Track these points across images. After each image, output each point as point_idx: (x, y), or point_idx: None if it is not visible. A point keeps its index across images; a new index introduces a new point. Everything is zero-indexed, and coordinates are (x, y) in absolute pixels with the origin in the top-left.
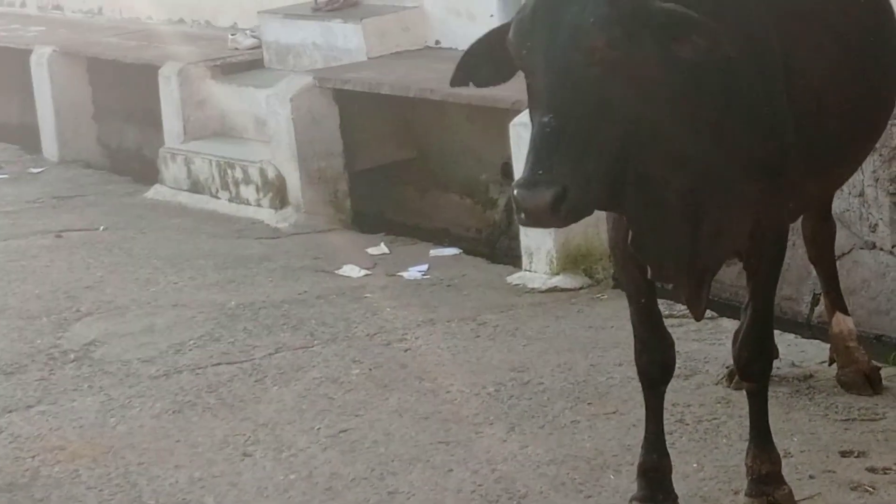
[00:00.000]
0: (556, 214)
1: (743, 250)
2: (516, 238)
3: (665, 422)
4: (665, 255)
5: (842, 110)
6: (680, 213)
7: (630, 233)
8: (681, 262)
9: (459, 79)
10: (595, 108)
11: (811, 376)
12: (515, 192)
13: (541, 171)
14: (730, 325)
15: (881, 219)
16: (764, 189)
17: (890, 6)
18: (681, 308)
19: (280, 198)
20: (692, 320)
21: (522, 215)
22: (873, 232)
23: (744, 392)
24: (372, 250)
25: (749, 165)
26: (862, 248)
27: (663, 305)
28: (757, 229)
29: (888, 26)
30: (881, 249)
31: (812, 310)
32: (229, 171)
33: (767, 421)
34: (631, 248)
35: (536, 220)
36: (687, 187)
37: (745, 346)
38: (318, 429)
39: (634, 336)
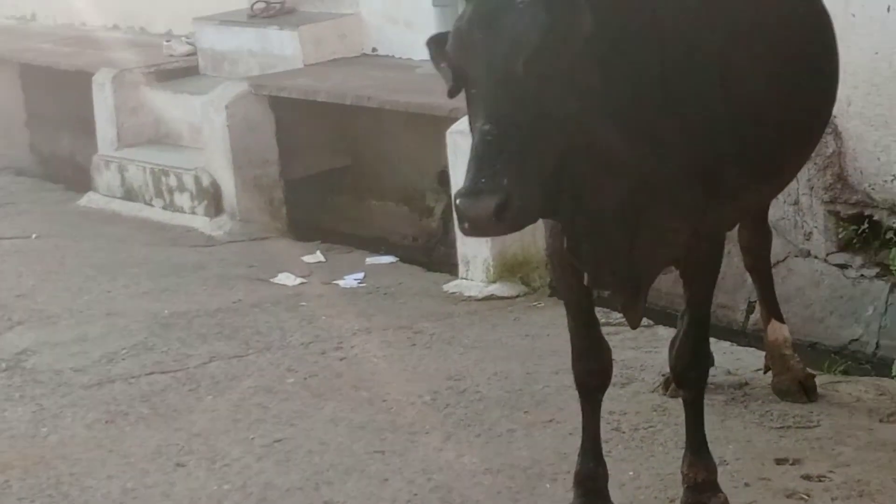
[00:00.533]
0: (500, 223)
1: (680, 258)
2: (453, 246)
3: (601, 430)
4: (602, 262)
5: (779, 120)
6: (616, 221)
7: (567, 240)
8: (617, 270)
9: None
10: (535, 115)
11: (747, 384)
12: (458, 201)
13: (483, 180)
14: (666, 333)
15: (816, 227)
16: (701, 197)
17: (828, 18)
18: (617, 316)
19: (215, 205)
20: (628, 328)
21: (466, 224)
22: (808, 240)
23: (680, 400)
24: (308, 258)
25: (686, 173)
26: (797, 257)
27: (600, 313)
28: (694, 237)
29: (825, 38)
30: (816, 258)
31: (747, 317)
32: (163, 179)
33: (703, 429)
34: (568, 255)
35: (480, 229)
36: (623, 195)
37: (682, 354)
38: (253, 438)
39: (571, 344)
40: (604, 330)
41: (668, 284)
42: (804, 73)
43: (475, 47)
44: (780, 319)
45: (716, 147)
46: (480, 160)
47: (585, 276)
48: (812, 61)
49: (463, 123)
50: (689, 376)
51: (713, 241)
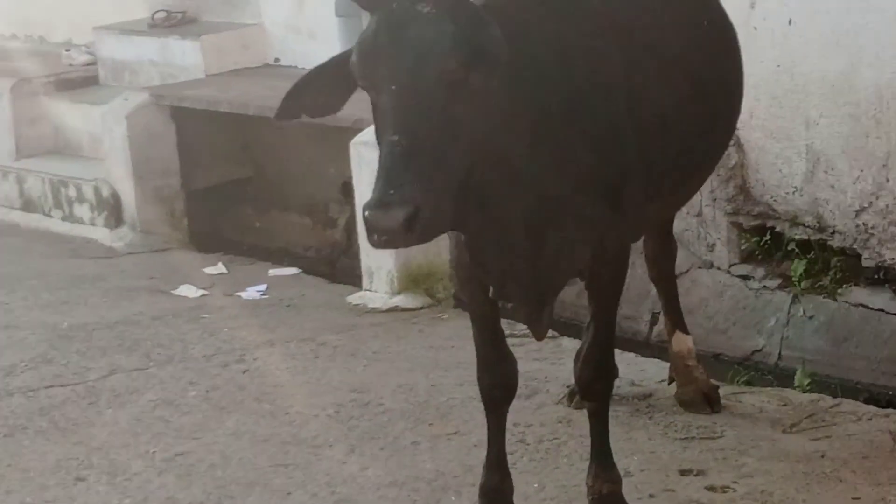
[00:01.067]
0: (410, 234)
1: (585, 270)
2: (356, 258)
3: (506, 442)
4: (507, 275)
5: (684, 133)
6: (521, 233)
7: (472, 252)
8: (522, 282)
9: (288, 110)
10: (443, 126)
11: (651, 395)
12: (367, 213)
13: (392, 192)
14: (570, 345)
15: (719, 238)
16: (605, 210)
17: (733, 32)
18: (522, 328)
19: (115, 216)
20: (533, 340)
21: (375, 236)
22: (711, 251)
23: (585, 411)
24: (209, 270)
25: (590, 186)
26: (700, 268)
27: (504, 325)
28: (599, 249)
29: (730, 53)
30: (719, 269)
31: (651, 328)
32: (63, 190)
33: (608, 440)
34: (473, 267)
35: (389, 241)
36: (528, 207)
37: (587, 366)
38: (154, 452)
39: (477, 356)
40: (508, 341)
41: (573, 296)
42: (708, 87)
43: (382, 58)
44: (685, 331)
45: (620, 160)
46: (389, 171)
47: (491, 288)
48: (716, 75)
49: (366, 135)
50: (594, 388)
51: (618, 253)
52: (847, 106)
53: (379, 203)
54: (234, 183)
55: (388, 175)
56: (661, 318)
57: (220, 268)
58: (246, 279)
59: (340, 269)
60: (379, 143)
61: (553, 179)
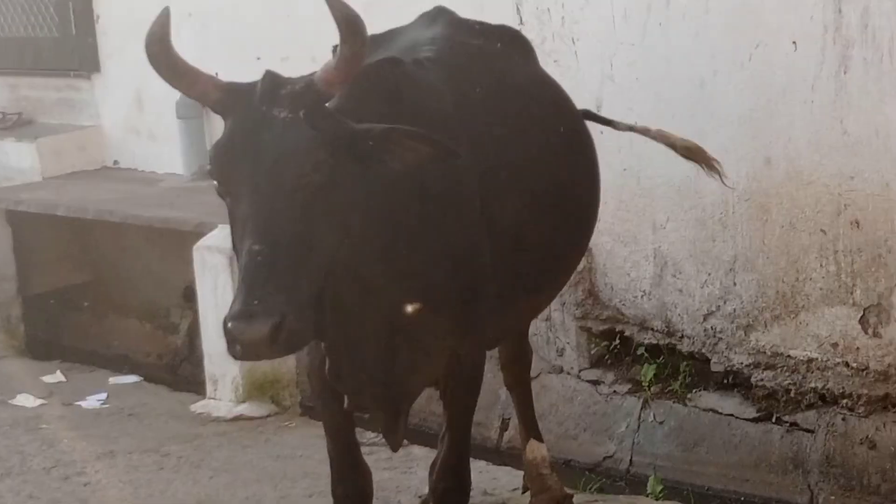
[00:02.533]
0: (275, 345)
1: (440, 379)
2: (199, 364)
3: None
4: (362, 384)
5: (539, 243)
6: (375, 343)
7: (328, 362)
8: (377, 393)
9: None
10: (303, 233)
11: (504, 503)
12: (230, 324)
13: (256, 302)
14: (420, 453)
15: (568, 343)
16: (460, 320)
17: (591, 143)
18: (371, 435)
19: None
20: (383, 448)
21: (238, 348)
22: (561, 356)
23: None
24: (47, 378)
25: (444, 297)
26: (550, 373)
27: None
28: (454, 359)
29: (587, 161)
30: (568, 374)
31: (501, 435)
32: None
33: None
34: (328, 376)
35: (253, 353)
36: (382, 316)
37: (443, 477)
38: None
39: (331, 466)
40: None
41: (422, 402)
42: (565, 197)
43: (239, 165)
44: (539, 438)
45: (474, 272)
46: (251, 281)
47: (346, 398)
48: (573, 184)
49: (210, 239)
50: (450, 499)
51: (473, 362)
52: (693, 210)
53: (242, 314)
54: (72, 288)
55: (250, 285)
56: (513, 425)
57: (58, 376)
58: (85, 387)
59: (182, 375)
60: (236, 251)
61: (406, 288)
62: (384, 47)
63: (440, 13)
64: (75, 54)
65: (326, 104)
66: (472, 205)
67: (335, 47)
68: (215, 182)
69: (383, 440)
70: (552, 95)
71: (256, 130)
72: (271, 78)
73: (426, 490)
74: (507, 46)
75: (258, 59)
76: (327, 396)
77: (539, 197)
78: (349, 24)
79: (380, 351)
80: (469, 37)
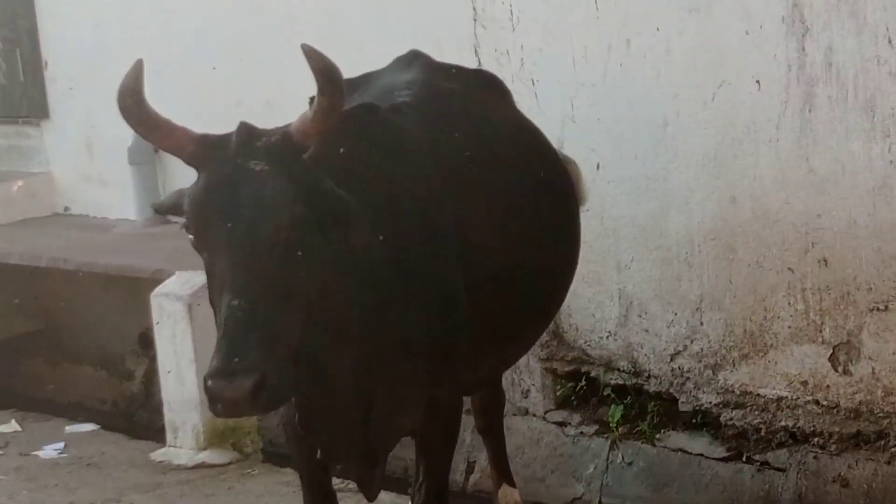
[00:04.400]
0: (257, 402)
1: (416, 428)
2: (155, 411)
3: None
4: (336, 436)
5: (519, 290)
6: (349, 393)
7: (298, 414)
8: (352, 443)
9: (164, 207)
10: (281, 287)
11: None
12: (210, 382)
13: (236, 359)
14: (387, 498)
15: (533, 384)
16: (438, 367)
17: (571, 185)
18: (337, 482)
19: None
20: (349, 494)
21: (219, 406)
22: (526, 398)
23: None
24: (2, 428)
25: (420, 344)
26: (515, 415)
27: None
28: (431, 407)
29: (567, 203)
30: (534, 415)
31: (467, 478)
32: None
33: None
34: (301, 429)
35: (235, 411)
36: (357, 366)
37: None
38: None
39: None
40: None
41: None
42: (546, 241)
43: (215, 219)
44: (512, 483)
45: (453, 319)
46: (231, 337)
47: (318, 450)
48: (552, 226)
49: (168, 286)
50: None
51: (450, 409)
52: (658, 250)
53: (223, 371)
54: (25, 336)
55: (230, 341)
56: (478, 468)
57: (13, 425)
58: (42, 437)
59: (138, 422)
60: (214, 305)
61: (380, 337)
62: (360, 91)
63: (415, 57)
64: (24, 101)
65: (303, 156)
66: (449, 251)
67: (312, 98)
68: (190, 236)
69: (349, 486)
70: (530, 139)
71: (232, 184)
72: (247, 130)
73: None
74: (484, 90)
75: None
76: (302, 447)
77: (519, 241)
78: (326, 74)
79: (353, 401)
80: (446, 80)
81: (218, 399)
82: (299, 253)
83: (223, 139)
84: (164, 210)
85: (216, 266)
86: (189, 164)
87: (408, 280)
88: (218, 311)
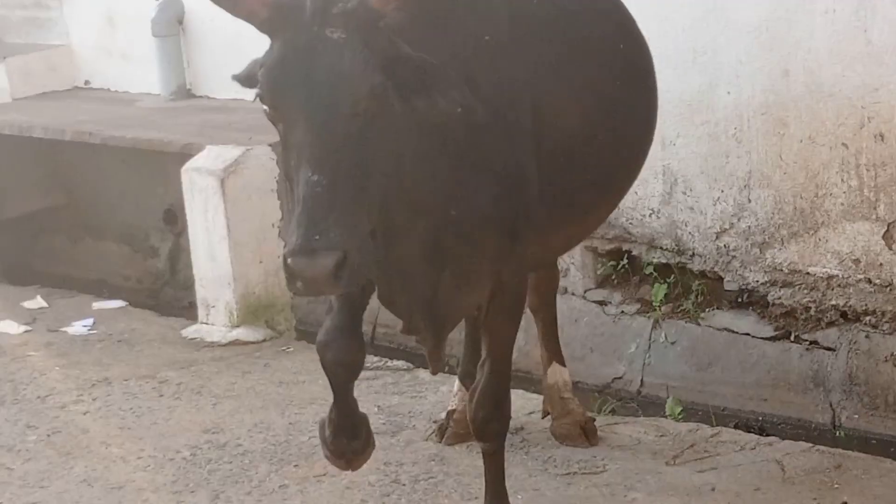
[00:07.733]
0: (338, 281)
1: (482, 304)
2: (181, 289)
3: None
4: (413, 307)
5: (592, 167)
6: (422, 264)
7: (379, 288)
8: (425, 314)
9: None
10: (361, 161)
11: (522, 428)
12: (290, 260)
13: (317, 237)
14: (426, 377)
15: (573, 263)
16: (504, 243)
17: (650, 59)
18: (375, 360)
19: None
20: (387, 373)
21: (299, 284)
22: (565, 276)
23: (456, 448)
24: (28, 304)
25: (489, 219)
26: None
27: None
28: (496, 286)
29: (645, 79)
30: (573, 294)
31: None
32: None
33: (504, 482)
34: (380, 302)
35: (316, 289)
36: (430, 238)
37: (482, 405)
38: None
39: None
40: (362, 375)
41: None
42: (621, 120)
43: (292, 90)
44: (562, 362)
45: (523, 193)
46: (312, 214)
47: (401, 322)
48: (630, 108)
49: (200, 160)
50: (489, 428)
51: (516, 288)
52: (705, 125)
53: (304, 249)
54: (46, 211)
55: (310, 218)
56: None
57: (39, 301)
58: (69, 313)
59: (164, 300)
60: (290, 180)
61: (452, 210)
62: None
63: None
64: None
65: (380, 24)
66: (523, 126)
67: None
68: (265, 107)
69: (387, 365)
70: (614, 15)
71: (309, 53)
72: None
73: (441, 414)
74: None
75: None
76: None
77: (594, 119)
78: None
79: (427, 274)
80: None
81: (299, 277)
82: (378, 124)
83: (299, 5)
84: (242, 81)
85: (292, 138)
86: (262, 31)
87: (481, 153)
88: (295, 184)
